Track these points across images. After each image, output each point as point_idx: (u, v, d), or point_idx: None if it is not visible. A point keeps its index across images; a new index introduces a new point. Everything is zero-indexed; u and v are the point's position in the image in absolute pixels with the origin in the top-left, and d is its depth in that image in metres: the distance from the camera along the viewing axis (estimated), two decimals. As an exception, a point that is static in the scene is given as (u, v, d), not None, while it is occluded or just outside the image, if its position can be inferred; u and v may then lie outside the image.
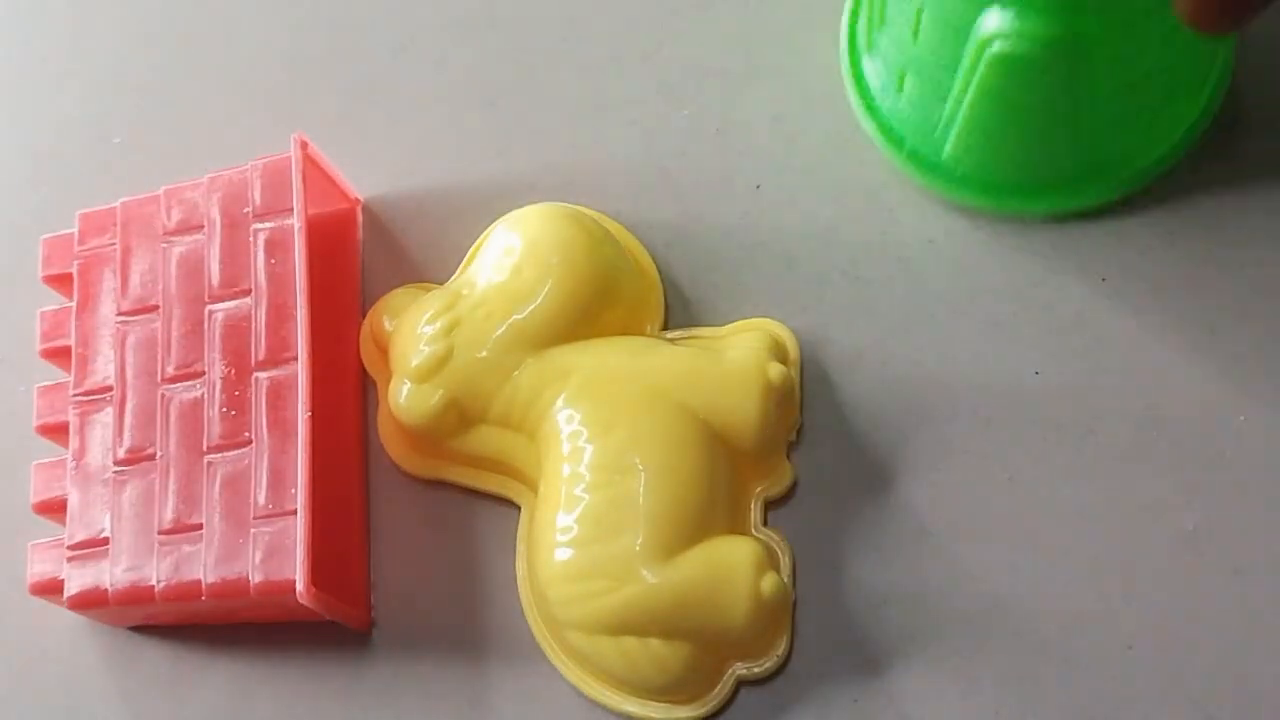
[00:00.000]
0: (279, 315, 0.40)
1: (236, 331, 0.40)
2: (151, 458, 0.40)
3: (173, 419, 0.40)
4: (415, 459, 0.41)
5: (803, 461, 0.40)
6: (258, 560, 0.37)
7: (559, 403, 0.38)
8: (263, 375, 0.39)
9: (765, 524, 0.40)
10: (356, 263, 0.44)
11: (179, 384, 0.40)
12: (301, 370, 0.39)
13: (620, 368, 0.39)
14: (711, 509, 0.38)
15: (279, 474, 0.38)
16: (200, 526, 0.38)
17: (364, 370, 0.43)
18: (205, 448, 0.39)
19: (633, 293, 0.41)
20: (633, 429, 0.38)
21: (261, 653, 0.41)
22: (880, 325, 0.42)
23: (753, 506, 0.39)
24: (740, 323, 0.41)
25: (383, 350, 0.41)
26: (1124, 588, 0.39)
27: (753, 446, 0.39)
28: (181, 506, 0.39)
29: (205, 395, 0.40)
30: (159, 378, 0.40)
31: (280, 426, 0.39)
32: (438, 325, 0.39)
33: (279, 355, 0.39)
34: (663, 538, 0.37)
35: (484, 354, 0.39)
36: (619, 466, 0.37)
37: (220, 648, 0.41)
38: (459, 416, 0.39)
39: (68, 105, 0.48)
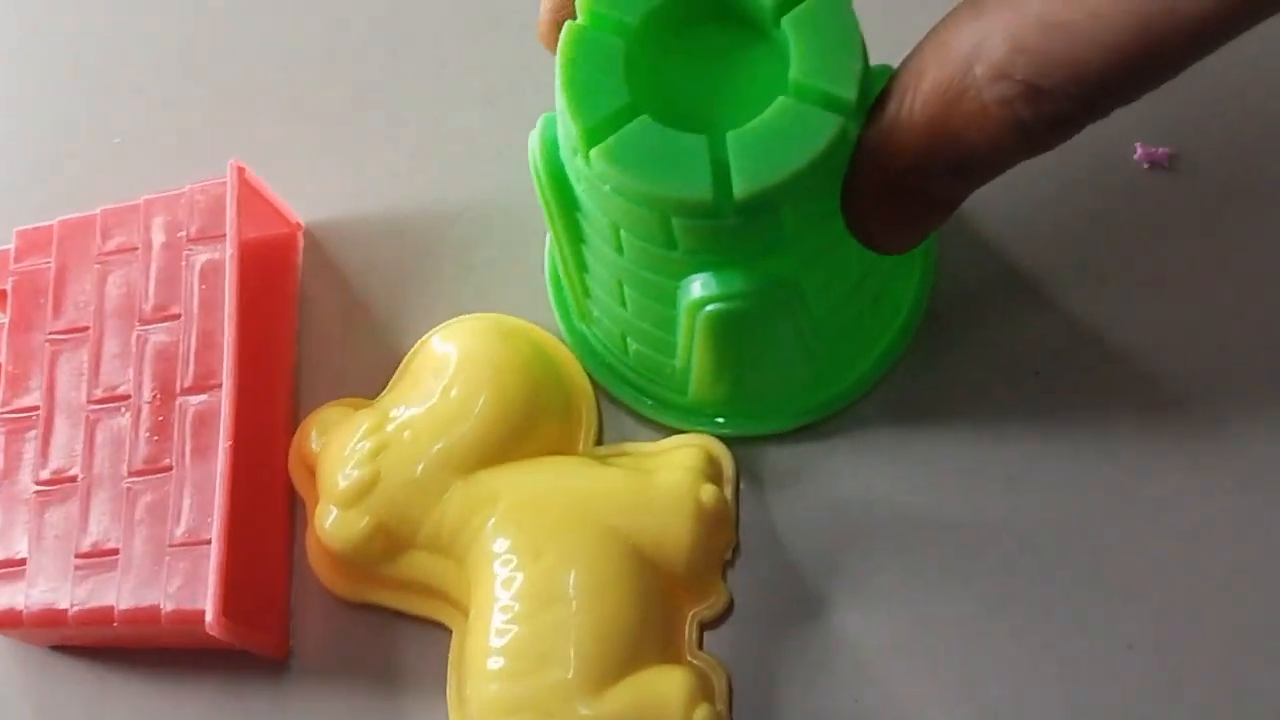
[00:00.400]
0: (207, 341, 0.40)
1: (165, 356, 0.40)
2: (75, 480, 0.40)
3: (98, 442, 0.40)
4: (343, 582, 0.40)
5: (739, 581, 0.40)
6: (171, 589, 0.37)
7: (487, 528, 0.38)
8: (187, 401, 0.40)
9: (701, 647, 0.39)
10: (295, 288, 0.44)
11: (105, 406, 0.40)
12: (225, 399, 0.39)
13: (549, 491, 0.38)
14: (643, 637, 0.37)
15: (198, 502, 0.38)
16: (117, 552, 0.38)
17: (295, 397, 0.43)
18: (127, 472, 0.39)
19: (564, 409, 0.40)
20: (561, 555, 0.37)
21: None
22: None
23: (688, 630, 0.39)
24: (674, 438, 0.41)
25: (310, 470, 0.40)
26: (1124, 588, 0.39)
27: (685, 571, 0.38)
28: (100, 531, 0.39)
29: (130, 419, 0.40)
30: (86, 399, 0.40)
31: (202, 454, 0.39)
32: (365, 448, 0.39)
33: (205, 382, 0.40)
34: (594, 670, 0.36)
35: (411, 478, 0.38)
36: (548, 595, 0.37)
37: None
38: (386, 541, 0.38)
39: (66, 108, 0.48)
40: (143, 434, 0.40)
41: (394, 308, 0.44)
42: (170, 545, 0.38)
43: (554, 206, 0.36)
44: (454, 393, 0.39)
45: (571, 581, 0.37)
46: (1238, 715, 0.37)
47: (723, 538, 0.39)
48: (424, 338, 0.42)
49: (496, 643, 0.37)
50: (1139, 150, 0.43)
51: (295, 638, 0.41)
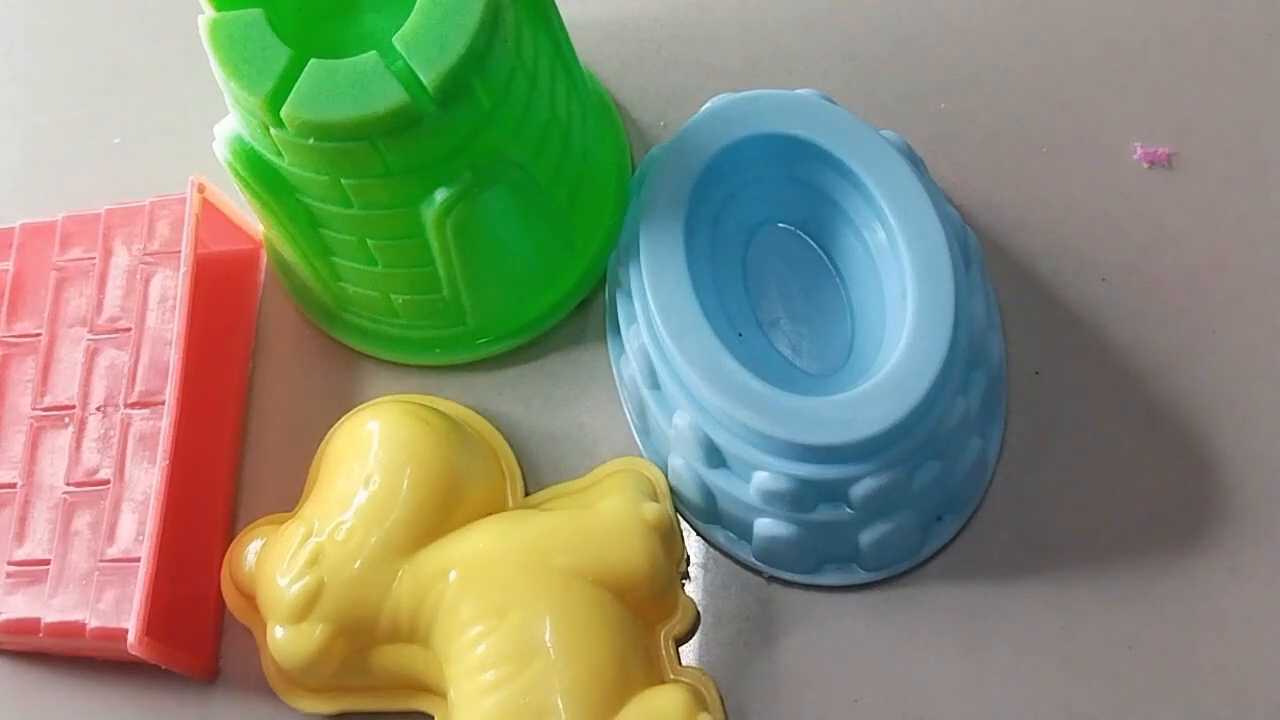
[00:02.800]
0: (156, 357, 0.40)
1: (114, 369, 0.40)
2: (14, 487, 0.40)
3: (40, 450, 0.40)
4: (314, 699, 0.39)
5: (699, 591, 0.40)
6: (98, 605, 0.37)
7: (446, 602, 0.37)
8: (131, 416, 0.40)
9: (680, 663, 0.39)
10: (254, 303, 0.44)
11: (51, 414, 0.40)
12: (167, 416, 0.39)
13: (497, 550, 0.37)
14: (627, 666, 0.37)
15: (133, 520, 0.38)
16: (49, 563, 0.38)
17: (244, 414, 0.43)
18: (66, 482, 0.39)
19: (486, 471, 0.40)
20: (527, 609, 0.36)
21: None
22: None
23: (663, 649, 0.39)
24: (601, 468, 0.41)
25: (247, 596, 0.39)
26: (1124, 588, 0.39)
27: (649, 591, 0.38)
28: (35, 541, 0.39)
29: (74, 430, 0.40)
30: (31, 407, 0.40)
31: (141, 470, 0.39)
32: (301, 558, 0.38)
33: (150, 398, 0.40)
34: (588, 711, 0.36)
35: (357, 575, 0.37)
36: (524, 651, 0.36)
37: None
38: (347, 645, 0.37)
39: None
40: (85, 445, 0.40)
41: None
42: (102, 561, 0.38)
43: (270, 199, 0.37)
44: (377, 480, 0.38)
45: (543, 631, 0.36)
46: (1238, 715, 0.38)
47: (675, 551, 0.39)
48: (330, 431, 0.41)
49: (486, 712, 0.36)
50: (1139, 150, 0.43)
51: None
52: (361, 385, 0.43)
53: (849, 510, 0.38)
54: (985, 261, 0.42)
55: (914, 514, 0.39)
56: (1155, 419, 0.40)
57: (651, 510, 0.38)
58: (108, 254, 0.42)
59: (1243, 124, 0.44)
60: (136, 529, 0.38)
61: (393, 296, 0.40)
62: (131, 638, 0.36)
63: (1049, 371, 0.41)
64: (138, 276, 0.41)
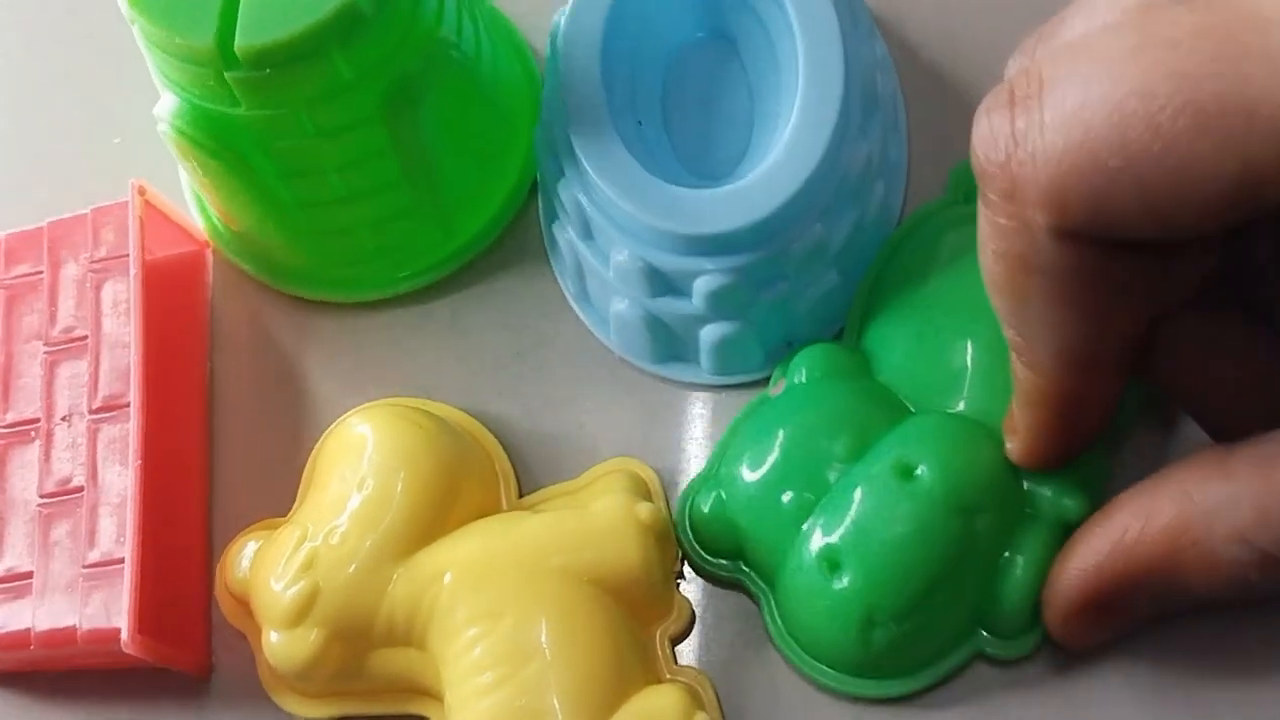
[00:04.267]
0: (115, 362, 0.40)
1: (74, 379, 0.40)
2: (-12, 504, 0.40)
3: (9, 468, 0.40)
4: (310, 704, 0.39)
5: (695, 591, 0.40)
6: (86, 609, 0.37)
7: (441, 605, 0.37)
8: (97, 422, 0.40)
9: (676, 663, 0.39)
10: (205, 304, 0.44)
11: (16, 430, 0.40)
12: (134, 417, 0.39)
13: (491, 552, 0.38)
14: (623, 666, 0.37)
15: (112, 523, 0.38)
16: (32, 575, 0.38)
17: (208, 413, 0.43)
18: (39, 494, 0.39)
19: (480, 473, 0.40)
20: (522, 610, 0.37)
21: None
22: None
23: (660, 649, 0.39)
24: (594, 469, 0.41)
25: (242, 602, 0.40)
26: None
27: (644, 591, 0.38)
28: (15, 555, 0.39)
29: (41, 443, 0.40)
30: (-4, 426, 0.40)
31: (113, 473, 0.39)
32: (296, 563, 0.38)
33: (114, 401, 0.40)
34: (584, 712, 0.36)
35: (351, 579, 0.37)
36: (520, 652, 0.36)
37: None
38: (343, 649, 0.37)
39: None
40: (54, 457, 0.40)
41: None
42: (85, 567, 0.38)
43: (231, 158, 0.38)
44: (370, 484, 0.38)
45: (539, 633, 0.36)
46: (1238, 715, 0.38)
47: (669, 550, 0.39)
48: (324, 434, 0.41)
49: (482, 713, 0.36)
50: None
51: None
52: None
53: (691, 304, 0.39)
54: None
55: (756, 328, 0.40)
56: (1155, 418, 0.40)
57: (645, 510, 0.38)
58: (55, 266, 0.42)
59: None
60: (116, 531, 0.38)
61: (362, 230, 0.41)
62: (125, 635, 0.36)
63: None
64: (88, 285, 0.41)
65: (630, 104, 0.42)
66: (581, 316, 0.43)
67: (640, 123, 0.42)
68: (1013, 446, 0.37)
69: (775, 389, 0.40)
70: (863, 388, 0.39)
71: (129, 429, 0.39)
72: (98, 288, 0.41)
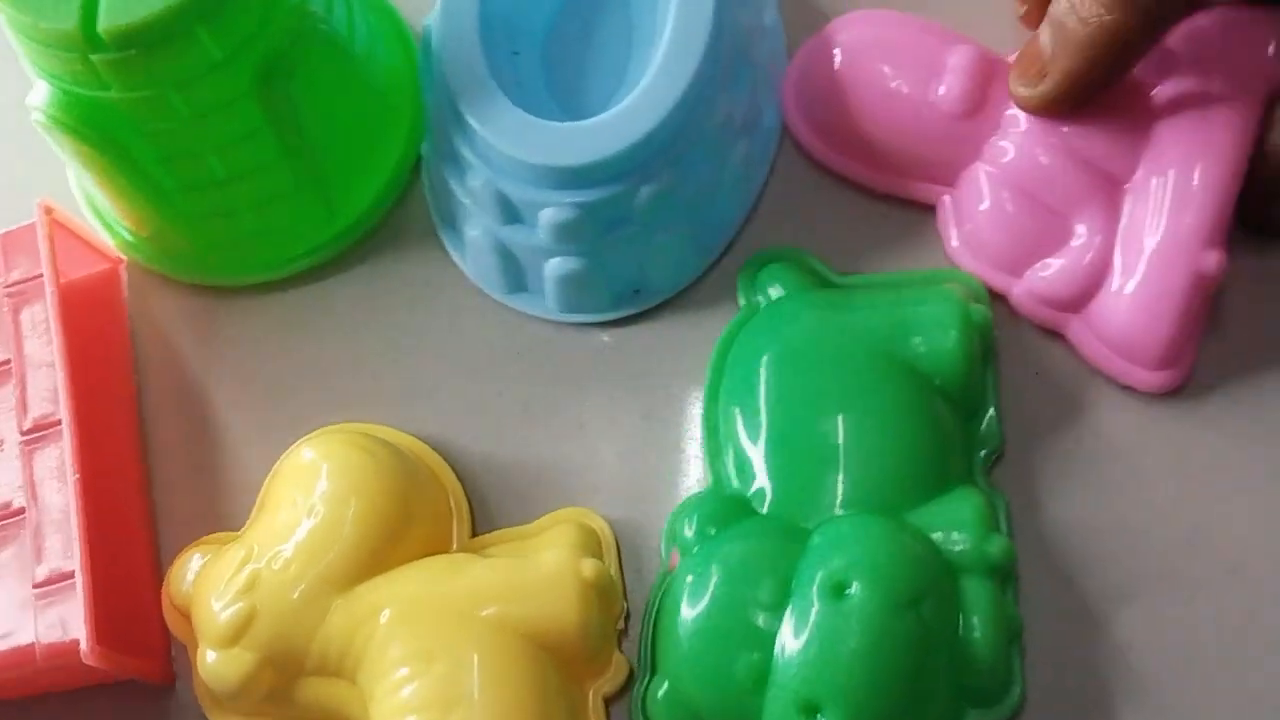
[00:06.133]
0: (41, 383, 0.40)
1: (2, 404, 0.40)
2: (-71, 539, 0.39)
3: (-54, 498, 0.40)
4: None
5: (635, 650, 0.39)
6: (42, 626, 0.37)
7: (375, 641, 0.37)
8: (30, 443, 0.39)
9: None
10: (124, 321, 0.44)
11: (-52, 461, 0.40)
12: (67, 432, 0.39)
13: (431, 594, 0.37)
14: None
15: (57, 540, 0.38)
16: (-19, 602, 0.38)
17: (140, 425, 0.43)
18: (-20, 521, 0.39)
19: (433, 509, 0.40)
20: (454, 657, 0.36)
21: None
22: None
23: (591, 707, 0.38)
24: (547, 517, 0.41)
25: (185, 615, 0.39)
26: (1127, 587, 0.39)
27: (579, 649, 0.37)
28: (-37, 584, 0.39)
29: (-25, 471, 0.40)
30: (-72, 458, 0.40)
31: (52, 491, 0.39)
32: (237, 584, 0.37)
33: (44, 421, 0.40)
34: None
35: (289, 606, 0.37)
36: (447, 699, 0.36)
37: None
38: (274, 675, 0.37)
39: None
40: (-10, 483, 0.40)
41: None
42: (36, 586, 0.38)
43: (105, 144, 0.38)
44: (320, 513, 0.38)
45: (469, 681, 0.36)
46: (1238, 715, 0.38)
47: (613, 609, 0.39)
48: (283, 456, 0.41)
49: None
50: None
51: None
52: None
53: (537, 235, 0.40)
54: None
55: (602, 270, 0.41)
56: (1155, 416, 0.40)
57: (590, 567, 0.38)
58: (-28, 292, 0.42)
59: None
60: (63, 546, 0.38)
61: (244, 213, 0.42)
62: (84, 646, 0.36)
63: (1049, 370, 0.42)
64: (5, 310, 0.41)
65: (508, 35, 0.43)
66: (514, 306, 0.43)
67: (516, 53, 0.43)
68: (1035, 91, 0.40)
69: (673, 562, 0.39)
70: (757, 527, 0.38)
71: (63, 446, 0.39)
72: (15, 312, 0.41)
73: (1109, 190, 0.40)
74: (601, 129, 0.39)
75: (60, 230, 0.42)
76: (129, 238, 0.44)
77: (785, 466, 0.39)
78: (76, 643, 0.37)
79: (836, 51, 0.42)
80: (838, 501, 0.38)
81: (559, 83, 0.44)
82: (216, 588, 0.38)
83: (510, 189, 0.40)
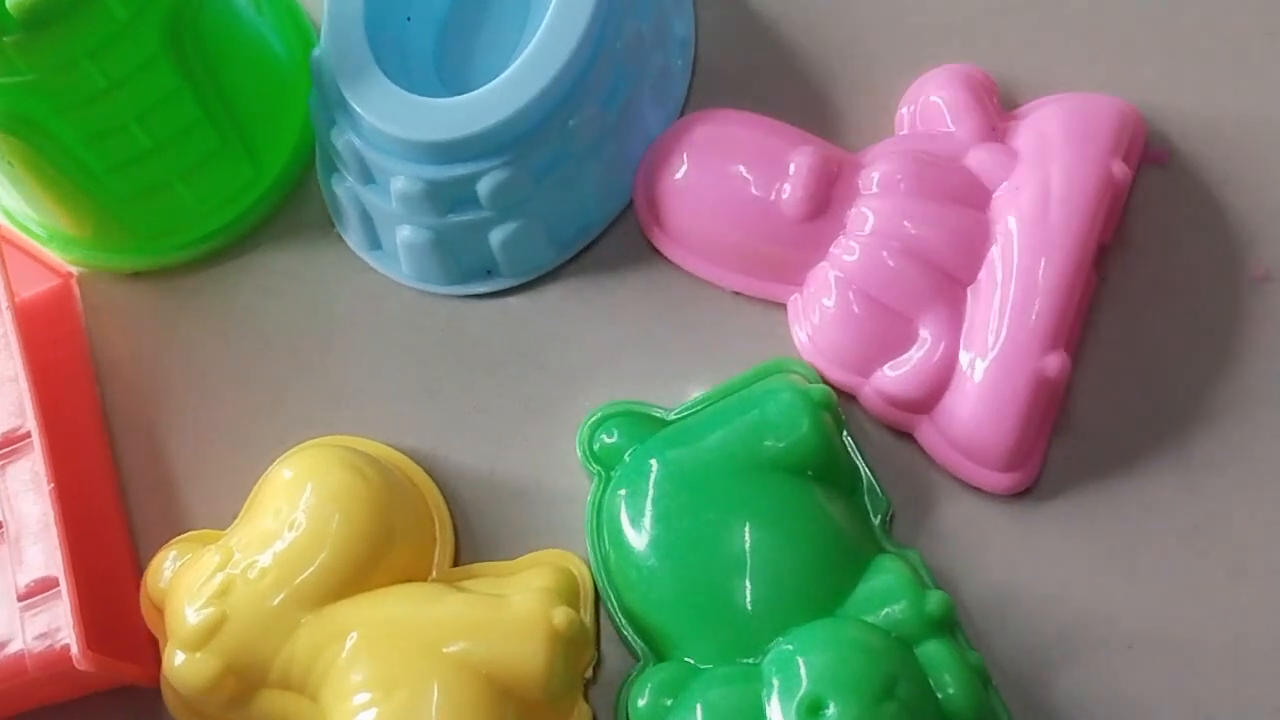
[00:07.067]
0: (5, 398, 0.40)
1: (-32, 421, 0.40)
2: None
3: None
4: None
5: (602, 698, 0.39)
6: (31, 635, 0.37)
7: (339, 663, 0.37)
8: (2, 458, 0.40)
9: None
10: (81, 333, 0.45)
11: (-79, 483, 0.40)
12: (38, 443, 0.39)
13: (400, 622, 0.37)
14: None
15: (37, 549, 0.38)
16: (-33, 619, 0.38)
17: (107, 432, 0.43)
18: (-42, 540, 0.39)
19: (416, 534, 0.40)
20: (415, 689, 0.36)
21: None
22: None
23: None
24: (530, 556, 0.40)
25: (160, 610, 0.40)
26: (1124, 587, 0.39)
27: (541, 696, 0.37)
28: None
29: (-52, 490, 0.40)
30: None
31: (29, 503, 0.39)
32: (210, 588, 0.37)
33: (13, 434, 0.40)
34: None
35: (260, 617, 0.37)
36: None
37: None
38: (237, 683, 0.37)
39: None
40: (-36, 500, 0.39)
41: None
42: (20, 597, 0.38)
43: (28, 129, 0.39)
44: (302, 527, 0.38)
45: (425, 714, 0.36)
46: (1238, 715, 0.38)
47: (582, 657, 0.39)
48: (272, 466, 0.40)
49: None
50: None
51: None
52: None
53: (479, 209, 0.41)
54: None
55: (543, 221, 0.42)
56: (1155, 416, 0.40)
57: (562, 616, 0.37)
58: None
59: (1243, 124, 0.43)
60: (45, 556, 0.38)
61: (177, 183, 0.42)
62: (75, 652, 0.36)
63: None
64: (-38, 328, 0.41)
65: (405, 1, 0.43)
66: (372, 264, 0.44)
67: (409, 19, 0.43)
68: None
69: None
70: (710, 681, 0.37)
71: (34, 458, 0.39)
72: (-28, 329, 0.41)
73: (953, 291, 0.39)
74: (456, 110, 0.40)
75: (9, 248, 0.42)
76: (68, 241, 0.44)
77: (706, 618, 0.38)
78: (67, 649, 0.37)
79: (683, 152, 0.42)
80: (770, 627, 0.37)
81: (449, 55, 0.44)
82: (191, 589, 0.38)
83: (366, 152, 0.41)
